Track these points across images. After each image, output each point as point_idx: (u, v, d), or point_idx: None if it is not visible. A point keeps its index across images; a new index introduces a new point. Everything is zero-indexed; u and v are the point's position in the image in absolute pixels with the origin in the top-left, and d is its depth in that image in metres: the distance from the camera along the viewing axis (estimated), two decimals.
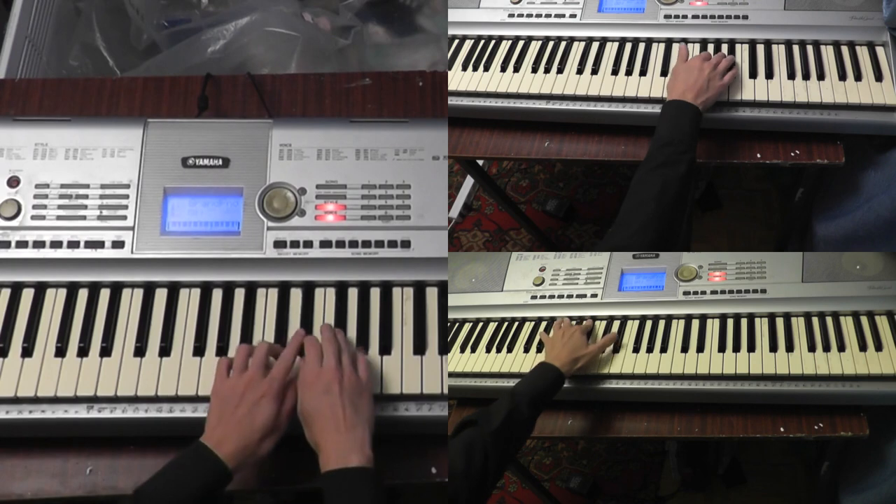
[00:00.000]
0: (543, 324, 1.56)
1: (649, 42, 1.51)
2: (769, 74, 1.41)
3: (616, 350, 1.44)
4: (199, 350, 1.16)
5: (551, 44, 1.55)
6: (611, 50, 1.51)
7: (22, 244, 1.20)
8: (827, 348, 1.32)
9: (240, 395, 1.04)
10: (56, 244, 1.20)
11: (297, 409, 1.06)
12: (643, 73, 1.46)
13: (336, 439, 1.01)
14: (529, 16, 1.59)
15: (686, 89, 1.33)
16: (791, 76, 1.40)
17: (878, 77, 1.37)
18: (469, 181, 2.28)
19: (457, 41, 1.59)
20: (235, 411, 1.03)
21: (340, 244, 1.22)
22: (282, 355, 1.10)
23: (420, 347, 1.18)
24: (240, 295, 1.21)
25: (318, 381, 1.05)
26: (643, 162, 1.27)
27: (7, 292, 1.19)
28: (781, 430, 1.28)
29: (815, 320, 1.39)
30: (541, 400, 1.27)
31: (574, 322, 1.53)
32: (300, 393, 1.06)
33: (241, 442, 1.01)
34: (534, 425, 1.26)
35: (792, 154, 1.37)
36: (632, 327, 1.48)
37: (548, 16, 1.58)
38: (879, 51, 1.42)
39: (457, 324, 1.63)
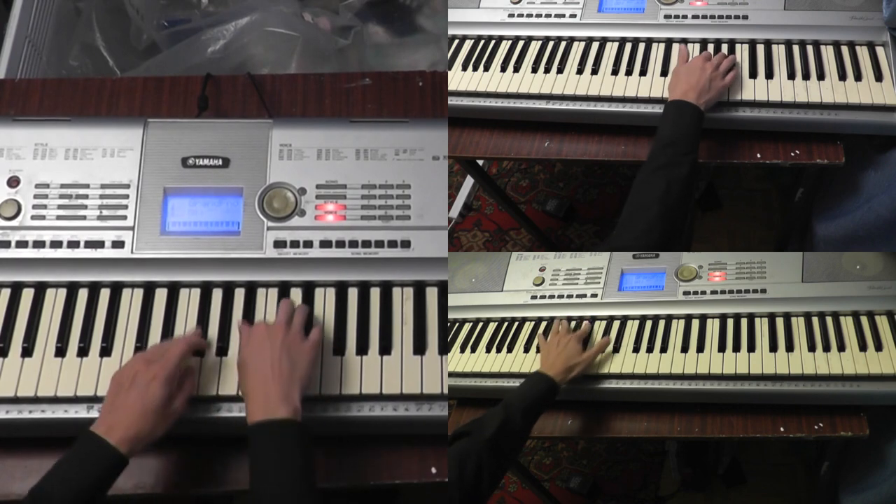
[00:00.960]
0: (543, 324, 1.56)
1: (649, 42, 1.51)
2: (769, 74, 1.41)
3: (616, 350, 1.43)
4: (199, 350, 1.16)
5: (551, 44, 1.55)
6: (611, 50, 1.51)
7: (22, 244, 1.20)
8: (827, 348, 1.32)
9: (131, 379, 1.04)
10: (56, 244, 1.20)
11: (238, 358, 1.08)
12: (643, 73, 1.46)
13: (266, 390, 1.01)
14: (529, 16, 1.59)
15: (688, 89, 1.33)
16: (791, 76, 1.40)
17: (878, 77, 1.37)
18: (469, 181, 2.28)
19: (457, 41, 1.59)
20: (127, 396, 1.03)
21: (340, 244, 1.22)
22: (176, 341, 1.11)
23: (420, 347, 1.18)
24: (240, 295, 1.21)
25: (262, 333, 1.08)
26: (645, 162, 1.27)
27: (7, 292, 1.19)
28: (781, 430, 1.28)
29: (815, 320, 1.39)
30: (534, 410, 1.27)
31: (573, 323, 1.53)
32: (242, 343, 1.09)
33: (133, 426, 1.00)
34: (528, 435, 1.26)
35: (792, 154, 1.37)
36: (632, 327, 1.48)
37: (548, 16, 1.58)
38: (879, 51, 1.42)
39: (457, 324, 1.63)
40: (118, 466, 0.99)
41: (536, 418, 1.28)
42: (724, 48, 1.47)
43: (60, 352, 1.15)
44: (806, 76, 1.40)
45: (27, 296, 1.19)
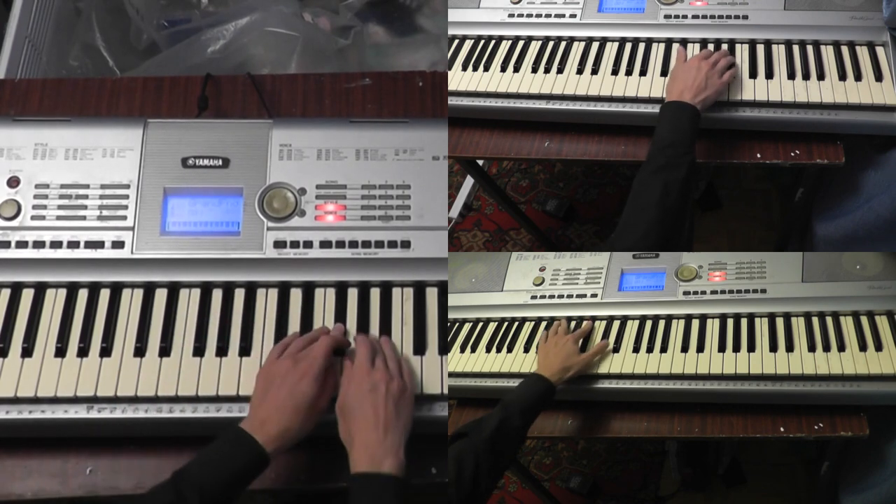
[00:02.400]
0: (543, 324, 1.56)
1: (649, 42, 1.51)
2: (769, 74, 1.41)
3: (616, 350, 1.43)
4: (199, 350, 1.16)
5: (551, 44, 1.55)
6: (611, 50, 1.51)
7: (22, 244, 1.20)
8: (827, 348, 1.32)
9: (282, 376, 1.05)
10: (56, 244, 1.20)
11: (338, 401, 1.07)
12: (643, 73, 1.46)
13: (372, 439, 1.01)
14: (529, 16, 1.59)
15: (684, 89, 1.33)
16: (791, 76, 1.40)
17: (878, 77, 1.37)
18: (469, 181, 2.28)
19: (457, 41, 1.59)
20: (279, 391, 1.04)
21: (340, 244, 1.22)
22: (322, 339, 1.11)
23: (420, 347, 1.18)
24: (240, 295, 1.21)
25: (367, 378, 1.07)
26: (644, 164, 1.27)
27: (7, 292, 1.19)
28: (781, 430, 1.28)
29: (815, 320, 1.39)
30: (531, 410, 1.27)
31: (573, 323, 1.53)
32: (344, 386, 1.08)
33: (282, 423, 1.02)
34: (525, 435, 1.26)
35: (792, 154, 1.37)
36: (632, 327, 1.48)
37: (548, 16, 1.58)
38: (879, 51, 1.42)
39: (457, 324, 1.63)
40: (261, 465, 1.00)
41: (534, 418, 1.28)
42: (724, 48, 1.47)
43: (60, 352, 1.15)
44: (806, 76, 1.40)
45: (27, 296, 1.19)
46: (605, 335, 1.47)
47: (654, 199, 1.21)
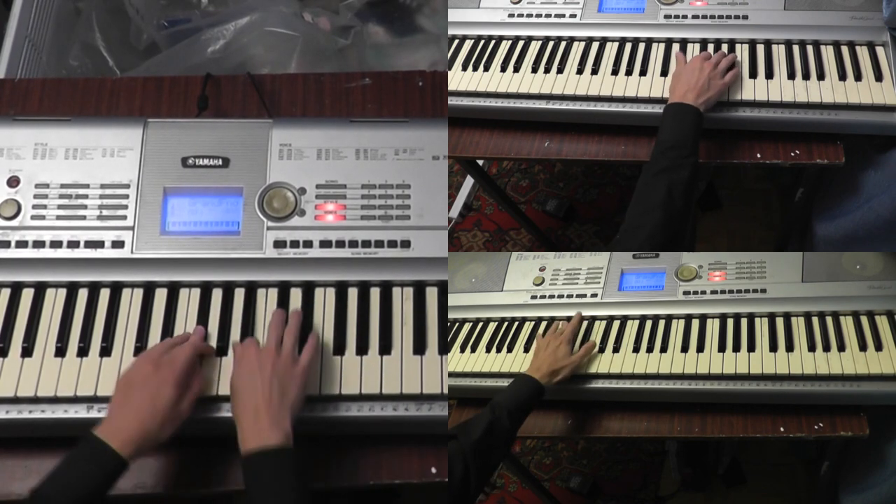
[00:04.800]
0: (543, 324, 1.56)
1: (649, 42, 1.51)
2: (769, 74, 1.41)
3: (616, 350, 1.43)
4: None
5: (551, 44, 1.55)
6: (611, 50, 1.51)
7: (22, 244, 1.20)
8: (827, 348, 1.32)
9: (140, 381, 1.05)
10: (56, 244, 1.20)
11: (230, 382, 1.07)
12: (643, 73, 1.46)
13: (256, 419, 1.01)
14: (529, 16, 1.59)
15: (687, 90, 1.33)
16: (791, 76, 1.40)
17: (878, 77, 1.37)
18: (469, 181, 2.28)
19: (457, 41, 1.59)
20: (136, 397, 1.03)
21: (340, 244, 1.22)
22: (183, 342, 1.11)
23: (420, 347, 1.18)
24: (240, 295, 1.21)
25: (253, 359, 1.07)
26: (646, 166, 1.27)
27: (7, 292, 1.19)
28: (781, 430, 1.28)
29: (815, 320, 1.39)
30: (520, 411, 1.27)
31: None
32: (235, 367, 1.08)
33: (140, 428, 1.01)
34: (515, 436, 1.26)
35: (792, 154, 1.37)
36: (632, 327, 1.48)
37: (548, 16, 1.58)
38: (879, 51, 1.42)
39: (457, 324, 1.63)
40: (118, 471, 0.99)
41: (523, 419, 1.28)
42: (724, 48, 1.47)
43: (60, 352, 1.15)
44: (806, 76, 1.40)
45: (27, 296, 1.19)
46: (605, 335, 1.47)
47: (658, 201, 1.21)
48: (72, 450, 0.99)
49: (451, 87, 1.48)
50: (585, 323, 1.52)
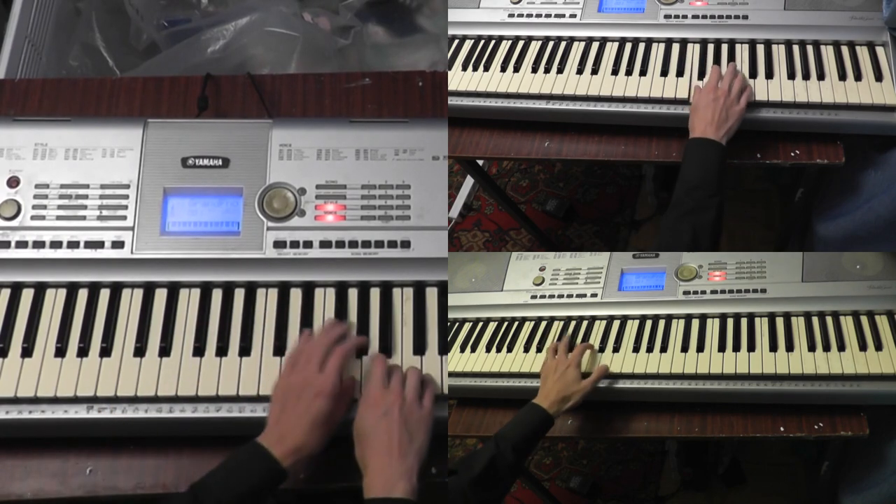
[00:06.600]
0: (543, 324, 1.56)
1: (649, 42, 1.51)
2: (769, 74, 1.41)
3: (616, 350, 1.43)
4: (198, 350, 1.16)
5: (551, 44, 1.55)
6: (611, 50, 1.51)
7: (22, 244, 1.20)
8: (827, 348, 1.32)
9: (298, 392, 1.05)
10: (56, 244, 1.20)
11: (354, 423, 1.07)
12: (643, 73, 1.46)
13: (385, 464, 1.01)
14: (529, 16, 1.59)
15: (706, 125, 1.30)
16: (791, 76, 1.40)
17: (878, 77, 1.37)
18: (469, 181, 2.28)
19: (457, 41, 1.59)
20: (294, 408, 1.04)
21: (340, 244, 1.22)
22: (335, 352, 1.10)
23: (420, 347, 1.18)
24: (240, 295, 1.21)
25: (380, 401, 1.06)
26: (671, 206, 1.26)
27: (7, 292, 1.19)
28: (781, 430, 1.28)
29: (815, 320, 1.39)
30: (526, 443, 1.24)
31: (573, 323, 1.53)
32: (360, 409, 1.07)
33: (300, 439, 1.02)
34: (521, 469, 1.24)
35: (792, 154, 1.37)
36: (632, 327, 1.48)
37: (548, 16, 1.58)
38: (879, 51, 1.42)
39: (457, 324, 1.63)
40: (278, 479, 1.00)
41: (530, 451, 1.26)
42: (724, 48, 1.47)
43: (60, 352, 1.15)
44: (806, 76, 1.40)
45: (27, 296, 1.19)
46: (605, 335, 1.47)
47: (684, 245, 1.20)
48: (233, 451, 1.01)
49: (451, 87, 1.48)
50: (585, 323, 1.52)
